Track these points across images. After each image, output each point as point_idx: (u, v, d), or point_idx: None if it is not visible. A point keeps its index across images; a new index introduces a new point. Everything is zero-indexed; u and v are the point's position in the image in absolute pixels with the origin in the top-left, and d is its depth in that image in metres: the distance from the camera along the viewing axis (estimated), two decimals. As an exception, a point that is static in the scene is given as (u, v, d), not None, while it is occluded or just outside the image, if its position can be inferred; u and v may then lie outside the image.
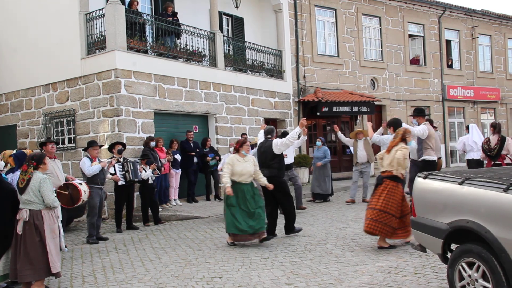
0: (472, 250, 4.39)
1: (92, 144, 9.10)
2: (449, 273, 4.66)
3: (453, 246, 4.88)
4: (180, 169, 12.43)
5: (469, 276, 4.41)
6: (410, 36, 21.85)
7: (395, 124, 8.63)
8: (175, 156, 12.16)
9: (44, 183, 5.75)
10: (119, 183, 9.72)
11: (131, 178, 9.72)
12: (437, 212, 4.87)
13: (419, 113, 9.76)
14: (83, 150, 9.74)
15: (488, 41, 24.92)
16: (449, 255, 4.84)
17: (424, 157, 9.25)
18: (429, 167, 8.87)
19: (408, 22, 21.57)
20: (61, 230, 6.30)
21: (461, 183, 4.61)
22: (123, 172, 9.70)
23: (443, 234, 4.69)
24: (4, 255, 5.76)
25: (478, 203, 4.36)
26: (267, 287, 5.71)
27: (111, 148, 10.05)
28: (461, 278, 4.52)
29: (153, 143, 11.28)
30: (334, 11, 19.16)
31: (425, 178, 5.21)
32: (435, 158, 9.29)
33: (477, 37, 24.07)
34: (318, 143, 13.01)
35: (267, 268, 6.51)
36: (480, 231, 4.21)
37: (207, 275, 6.28)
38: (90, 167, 8.74)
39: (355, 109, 17.65)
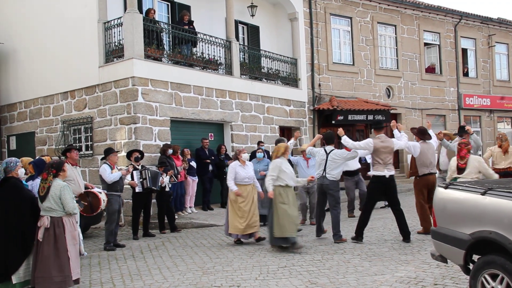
0: (495, 261, 4.33)
1: (111, 151, 9.17)
2: (472, 284, 4.60)
3: (475, 257, 4.83)
4: (196, 176, 12.47)
5: (492, 288, 4.36)
6: (425, 44, 21.75)
7: (329, 138, 9.00)
8: (191, 163, 12.20)
9: (64, 191, 5.80)
10: (136, 189, 9.78)
11: (149, 185, 9.77)
12: (458, 222, 4.82)
13: (376, 126, 9.22)
14: (101, 159, 9.81)
15: (505, 49, 24.73)
16: (471, 266, 4.78)
17: (372, 172, 8.90)
18: (376, 183, 8.63)
19: (424, 30, 21.49)
20: (80, 235, 6.35)
21: (483, 193, 4.57)
22: (141, 180, 9.76)
23: (465, 245, 4.64)
24: (25, 261, 5.81)
25: (502, 213, 4.30)
26: (285, 296, 5.70)
27: (128, 155, 10.12)
28: (484, 289, 4.47)
29: (170, 151, 11.34)
30: (349, 20, 19.17)
31: (446, 188, 5.17)
32: (383, 173, 8.54)
33: (494, 46, 23.88)
34: (260, 154, 11.23)
35: (285, 277, 6.48)
36: (503, 242, 4.16)
37: (225, 284, 6.28)
38: (111, 174, 8.82)
39: (370, 117, 17.59)
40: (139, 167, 9.89)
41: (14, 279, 5.74)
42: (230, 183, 8.82)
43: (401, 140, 9.07)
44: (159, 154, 11.56)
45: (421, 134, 9.32)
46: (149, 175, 9.79)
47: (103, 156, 9.50)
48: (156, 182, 9.89)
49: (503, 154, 10.19)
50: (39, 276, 5.65)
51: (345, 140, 8.71)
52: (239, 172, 8.85)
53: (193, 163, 12.31)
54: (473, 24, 23.26)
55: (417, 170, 9.16)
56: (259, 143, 14.14)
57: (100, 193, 8.07)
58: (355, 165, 11.81)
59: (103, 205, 7.88)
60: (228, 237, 9.23)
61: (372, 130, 9.65)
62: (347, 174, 12.09)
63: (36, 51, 14.11)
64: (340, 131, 8.92)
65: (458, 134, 10.47)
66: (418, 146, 9.12)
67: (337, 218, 8.82)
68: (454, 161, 8.56)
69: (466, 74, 23.23)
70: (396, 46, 20.60)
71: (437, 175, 9.68)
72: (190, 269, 7.10)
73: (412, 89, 20.86)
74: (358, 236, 8.67)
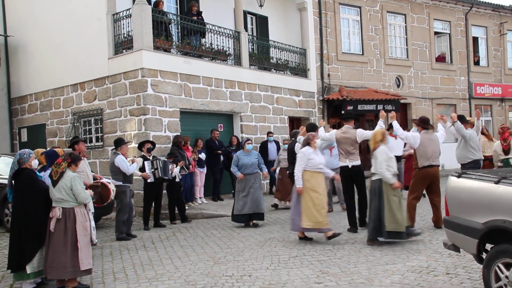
0: (509, 250, 4.31)
1: (122, 142, 9.20)
2: (485, 273, 4.58)
3: (488, 246, 4.80)
4: (205, 168, 12.49)
5: (506, 277, 4.33)
6: (436, 33, 21.52)
7: (311, 129, 9.04)
8: (200, 155, 12.22)
9: (75, 181, 5.84)
10: (148, 180, 9.83)
11: (160, 175, 9.80)
12: (471, 211, 4.79)
13: (344, 116, 9.44)
14: (112, 149, 9.85)
15: (516, 37, 24.42)
16: (484, 255, 4.76)
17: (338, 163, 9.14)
18: (342, 173, 8.90)
19: (434, 19, 21.25)
20: (92, 223, 6.40)
21: (497, 182, 4.53)
22: (152, 170, 9.80)
23: (478, 234, 4.62)
24: (39, 252, 5.86)
25: (516, 202, 4.28)
26: (297, 285, 5.70)
27: (140, 146, 10.16)
28: (498, 279, 4.44)
29: (182, 142, 11.36)
30: (358, 9, 19.01)
31: (458, 177, 5.14)
32: (346, 164, 8.76)
33: (506, 34, 23.58)
34: (249, 146, 10.09)
35: (296, 267, 6.50)
36: (517, 231, 4.14)
37: (236, 273, 6.30)
38: (131, 166, 8.90)
39: (380, 107, 17.43)
40: (150, 158, 9.92)
41: (29, 269, 5.80)
42: (299, 174, 7.97)
43: (399, 131, 8.88)
44: (168, 145, 11.61)
45: (423, 123, 8.84)
46: (160, 165, 9.82)
47: (113, 147, 9.54)
48: (167, 172, 9.92)
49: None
50: (50, 266, 5.71)
51: (320, 131, 9.03)
52: (313, 159, 7.98)
53: (202, 155, 12.32)
54: (484, 12, 22.97)
55: (418, 162, 8.65)
56: (269, 133, 14.15)
57: (109, 183, 8.12)
58: (398, 152, 11.51)
59: (112, 195, 7.93)
60: (293, 232, 8.50)
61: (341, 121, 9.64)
62: None
63: (45, 44, 14.16)
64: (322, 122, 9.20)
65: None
66: (417, 136, 8.66)
67: None
68: (498, 145, 9.20)
69: (477, 63, 22.99)
70: (406, 35, 20.41)
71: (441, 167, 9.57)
72: (201, 259, 7.13)
73: (422, 78, 20.69)
74: (352, 227, 8.77)
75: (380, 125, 8.70)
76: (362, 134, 8.84)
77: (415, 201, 8.61)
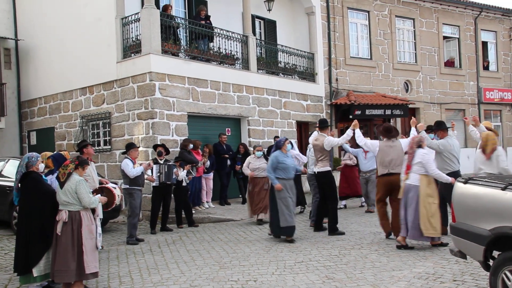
0: (516, 257, 4.27)
1: (132, 146, 9.26)
2: (492, 281, 4.54)
3: (495, 253, 4.76)
4: (211, 174, 12.47)
5: (513, 284, 4.30)
6: (444, 38, 21.43)
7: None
8: (207, 162, 12.20)
9: (79, 185, 5.84)
10: (153, 184, 9.87)
11: (163, 180, 9.83)
12: (478, 218, 4.76)
13: (320, 125, 9.46)
14: (122, 153, 9.91)
15: (526, 42, 24.25)
16: (491, 262, 4.72)
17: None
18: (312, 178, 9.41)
19: (443, 23, 21.16)
20: (99, 229, 6.42)
21: (504, 189, 4.50)
22: (158, 174, 9.83)
23: (485, 241, 4.58)
24: (45, 255, 5.89)
25: (523, 209, 4.24)
26: (302, 291, 5.69)
27: (155, 149, 10.31)
28: (505, 286, 4.40)
29: (191, 146, 11.38)
30: (367, 13, 18.98)
31: (465, 183, 5.10)
32: (314, 170, 9.34)
33: (515, 38, 23.47)
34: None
35: (302, 272, 6.48)
36: (525, 239, 4.09)
37: (242, 278, 6.29)
38: (134, 169, 8.93)
39: (388, 112, 17.42)
40: (161, 162, 9.96)
41: (35, 272, 5.83)
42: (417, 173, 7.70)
43: (359, 139, 8.87)
44: (176, 149, 11.63)
45: (385, 132, 8.68)
46: (165, 170, 9.84)
47: (123, 150, 9.60)
48: (170, 176, 9.92)
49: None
50: (57, 270, 5.73)
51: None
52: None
53: (207, 164, 12.24)
54: (494, 17, 22.85)
55: (378, 170, 8.63)
56: (275, 137, 14.11)
57: (115, 188, 8.13)
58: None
59: (117, 200, 7.93)
60: (393, 239, 8.19)
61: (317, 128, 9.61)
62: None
63: (55, 48, 14.26)
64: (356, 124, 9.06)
65: (434, 129, 9.35)
66: (376, 144, 8.57)
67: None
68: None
69: (486, 67, 22.85)
70: (415, 39, 20.34)
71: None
72: (207, 264, 7.13)
73: (431, 83, 20.59)
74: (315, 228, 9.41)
75: (413, 132, 8.97)
76: (329, 142, 9.01)
77: (382, 209, 8.53)
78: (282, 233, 8.58)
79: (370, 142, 8.96)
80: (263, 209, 10.28)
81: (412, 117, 9.73)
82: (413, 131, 9.15)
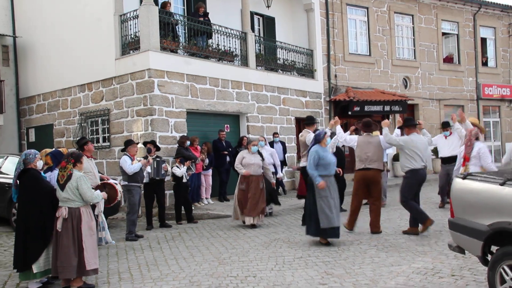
0: (514, 252, 4.28)
1: (131, 142, 9.27)
2: (490, 276, 4.56)
3: (494, 248, 4.77)
4: (209, 170, 12.48)
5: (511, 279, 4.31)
6: (443, 34, 21.45)
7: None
8: (206, 159, 12.19)
9: (81, 181, 5.86)
10: (144, 180, 9.82)
11: (153, 176, 9.83)
12: (476, 213, 4.77)
13: (306, 122, 9.76)
14: (121, 150, 9.90)
15: (525, 38, 24.25)
16: (489, 257, 4.74)
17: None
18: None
19: (442, 20, 21.17)
20: (105, 224, 6.43)
21: (502, 184, 4.51)
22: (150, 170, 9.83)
23: (483, 236, 4.59)
24: (45, 251, 5.90)
25: (521, 204, 4.25)
26: (301, 286, 5.70)
27: (145, 146, 10.27)
28: (503, 281, 4.42)
29: (188, 142, 11.37)
30: (366, 10, 18.97)
31: (464, 178, 5.11)
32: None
33: (514, 35, 23.47)
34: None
35: (301, 268, 6.49)
36: (523, 233, 4.11)
37: (241, 274, 6.31)
38: (132, 165, 8.93)
39: (387, 108, 17.44)
40: (151, 158, 9.94)
41: (35, 268, 5.84)
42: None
43: (339, 135, 9.05)
44: (175, 146, 11.63)
45: (365, 127, 8.77)
46: (154, 166, 9.83)
47: (122, 147, 9.60)
48: (159, 172, 9.87)
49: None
50: (60, 266, 5.74)
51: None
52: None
53: (206, 161, 12.22)
54: (493, 13, 22.85)
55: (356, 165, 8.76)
56: (275, 134, 14.14)
57: (116, 184, 8.15)
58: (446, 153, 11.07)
59: (119, 196, 7.96)
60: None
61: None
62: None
63: (53, 44, 14.25)
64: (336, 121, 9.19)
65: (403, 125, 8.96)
66: (354, 139, 8.76)
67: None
68: None
69: (485, 63, 22.86)
70: (413, 36, 20.35)
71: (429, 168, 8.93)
72: (206, 260, 7.15)
73: (430, 79, 20.61)
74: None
75: (397, 133, 9.00)
76: (310, 138, 8.94)
77: (355, 204, 8.62)
78: (323, 235, 7.71)
79: (349, 137, 9.08)
80: (259, 212, 9.60)
81: (386, 119, 9.32)
82: (397, 131, 9.14)
